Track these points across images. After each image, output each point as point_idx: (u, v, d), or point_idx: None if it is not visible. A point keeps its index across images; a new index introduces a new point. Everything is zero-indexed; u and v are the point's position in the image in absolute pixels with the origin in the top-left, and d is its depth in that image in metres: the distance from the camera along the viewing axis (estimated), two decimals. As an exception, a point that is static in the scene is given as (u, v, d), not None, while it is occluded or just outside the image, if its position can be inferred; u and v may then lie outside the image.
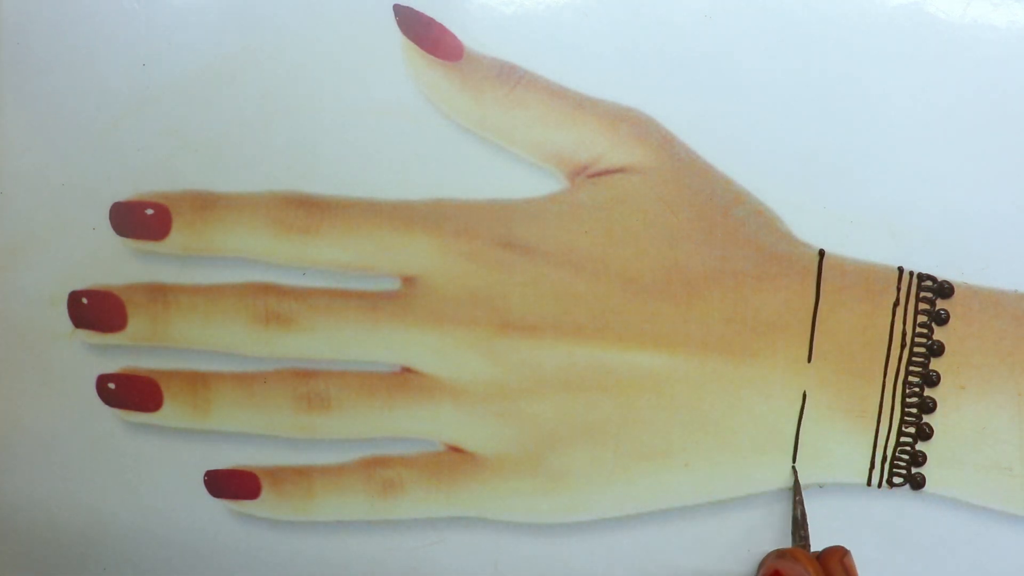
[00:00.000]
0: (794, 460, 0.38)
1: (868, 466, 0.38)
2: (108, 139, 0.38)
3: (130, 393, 0.39)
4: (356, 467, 0.39)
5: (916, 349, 0.37)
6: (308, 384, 0.39)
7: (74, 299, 0.39)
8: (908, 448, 0.38)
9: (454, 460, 0.39)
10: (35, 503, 0.41)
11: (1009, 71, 0.36)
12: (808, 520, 0.36)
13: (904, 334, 0.37)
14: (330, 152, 0.38)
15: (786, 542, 0.38)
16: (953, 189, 0.37)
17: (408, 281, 0.38)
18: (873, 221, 0.37)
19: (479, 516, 0.39)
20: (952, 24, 0.36)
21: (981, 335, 0.37)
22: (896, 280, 0.37)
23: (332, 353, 0.39)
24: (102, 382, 0.40)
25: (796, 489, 0.37)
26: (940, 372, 0.37)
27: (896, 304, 0.37)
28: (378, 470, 0.39)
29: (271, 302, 0.38)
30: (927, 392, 0.38)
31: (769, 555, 0.32)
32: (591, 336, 0.38)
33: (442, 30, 0.37)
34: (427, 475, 0.39)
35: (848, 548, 0.37)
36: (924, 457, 0.38)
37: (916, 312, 0.37)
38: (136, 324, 0.39)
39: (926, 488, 0.38)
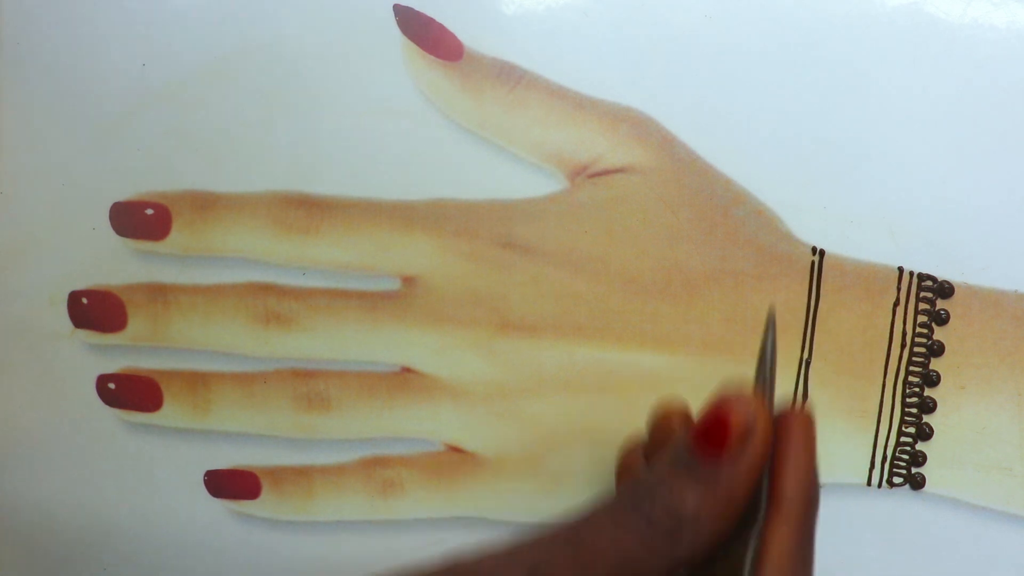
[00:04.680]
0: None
1: (868, 466, 0.38)
2: (108, 139, 0.38)
3: (130, 393, 0.39)
4: (356, 467, 0.39)
5: (916, 349, 0.37)
6: (308, 384, 0.39)
7: (74, 299, 0.39)
8: (908, 448, 0.38)
9: (454, 460, 0.39)
10: (35, 503, 0.41)
11: (1009, 71, 0.36)
12: (776, 363, 0.28)
13: (904, 334, 0.37)
14: (330, 152, 0.38)
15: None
16: (953, 189, 0.37)
17: (408, 281, 0.38)
18: (873, 221, 0.37)
19: (479, 516, 0.39)
20: (952, 24, 0.36)
21: (981, 335, 0.37)
22: (896, 280, 0.37)
23: (332, 353, 0.39)
24: (102, 382, 0.40)
25: (770, 324, 0.28)
26: (940, 372, 0.37)
27: (896, 304, 0.37)
28: (378, 470, 0.39)
29: (271, 302, 0.38)
30: (927, 392, 0.38)
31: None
32: (591, 336, 0.38)
33: (442, 30, 0.37)
34: (427, 475, 0.39)
35: (848, 547, 0.37)
36: (924, 457, 0.38)
37: (916, 312, 0.37)
38: (136, 324, 0.39)
39: (926, 488, 0.38)
